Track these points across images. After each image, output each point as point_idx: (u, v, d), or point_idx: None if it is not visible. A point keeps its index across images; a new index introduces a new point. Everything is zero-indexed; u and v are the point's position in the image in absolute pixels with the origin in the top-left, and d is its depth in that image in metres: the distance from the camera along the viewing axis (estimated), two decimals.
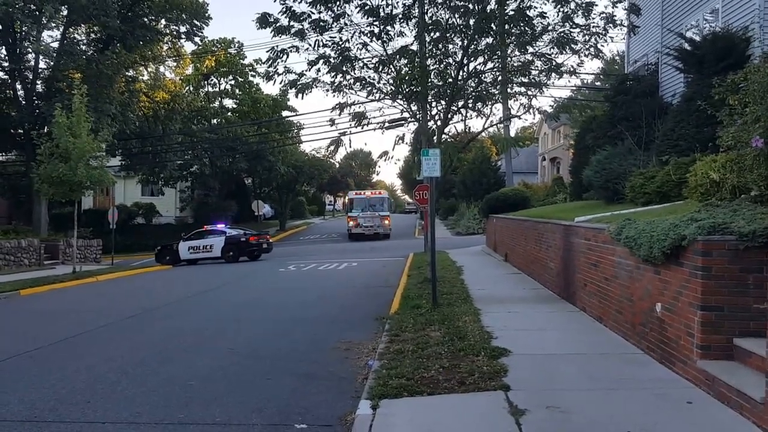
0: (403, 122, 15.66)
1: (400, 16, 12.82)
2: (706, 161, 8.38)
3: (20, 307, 14.62)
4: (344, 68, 13.15)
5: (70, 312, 13.52)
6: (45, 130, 21.98)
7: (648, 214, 8.74)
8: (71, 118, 21.16)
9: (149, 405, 6.17)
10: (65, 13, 31.73)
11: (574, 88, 37.02)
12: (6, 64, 32.03)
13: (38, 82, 32.92)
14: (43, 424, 5.70)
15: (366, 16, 12.55)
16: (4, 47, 31.88)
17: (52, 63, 32.07)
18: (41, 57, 32.23)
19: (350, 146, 65.75)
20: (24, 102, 32.27)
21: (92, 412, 6.01)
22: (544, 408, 5.14)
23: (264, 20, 12.81)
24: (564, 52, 12.67)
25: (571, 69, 12.99)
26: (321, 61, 13.10)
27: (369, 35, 13.00)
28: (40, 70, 32.91)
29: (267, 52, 13.02)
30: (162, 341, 9.47)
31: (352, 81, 13.43)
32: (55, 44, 32.99)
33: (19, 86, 32.48)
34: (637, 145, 14.47)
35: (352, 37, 13.07)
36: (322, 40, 13.01)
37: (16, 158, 39.25)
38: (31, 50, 31.77)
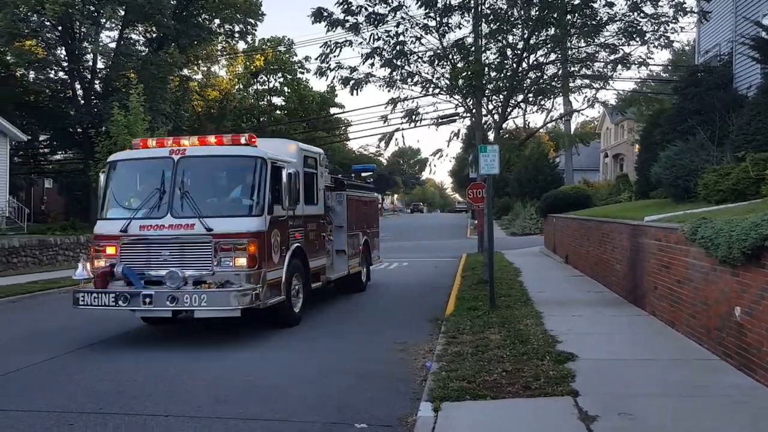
0: (456, 118, 15.58)
1: (457, 6, 12.76)
2: None
3: None
4: (398, 62, 13.18)
5: None
6: (103, 129, 22.95)
7: (724, 213, 8.43)
8: (128, 116, 22.00)
9: (209, 399, 6.33)
10: (122, 13, 32.99)
11: (639, 80, 36.01)
12: (66, 64, 33.52)
13: (96, 81, 34.34)
14: (108, 416, 5.92)
15: (424, 8, 12.52)
16: (63, 48, 33.35)
17: (109, 63, 33.40)
18: (99, 57, 33.61)
19: (404, 143, 64.92)
20: (83, 101, 33.70)
21: (153, 405, 6.20)
22: (616, 415, 5.03)
23: (319, 14, 12.97)
24: (633, 42, 12.36)
25: (640, 60, 12.65)
26: (375, 56, 13.17)
27: (424, 28, 12.99)
28: (98, 69, 34.34)
29: (320, 47, 13.19)
30: (218, 338, 9.66)
31: (406, 75, 13.45)
32: (113, 44, 34.37)
33: (78, 86, 33.96)
34: (709, 140, 14.00)
35: (406, 30, 13.09)
36: (376, 34, 13.07)
37: (74, 156, 41.00)
38: (89, 50, 33.15)
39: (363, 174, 16.44)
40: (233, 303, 8.53)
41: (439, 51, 13.08)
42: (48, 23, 31.15)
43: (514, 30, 12.75)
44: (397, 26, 12.87)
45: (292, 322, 10.07)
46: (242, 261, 8.77)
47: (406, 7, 12.72)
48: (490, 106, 13.93)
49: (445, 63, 13.21)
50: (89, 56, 33.83)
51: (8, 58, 32.30)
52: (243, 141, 9.59)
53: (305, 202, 10.78)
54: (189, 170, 9.42)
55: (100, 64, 34.50)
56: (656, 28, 12.37)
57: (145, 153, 9.91)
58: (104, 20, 32.71)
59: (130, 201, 9.78)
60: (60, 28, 31.87)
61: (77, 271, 9.99)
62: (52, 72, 34.32)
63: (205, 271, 8.79)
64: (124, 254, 9.11)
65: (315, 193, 11.57)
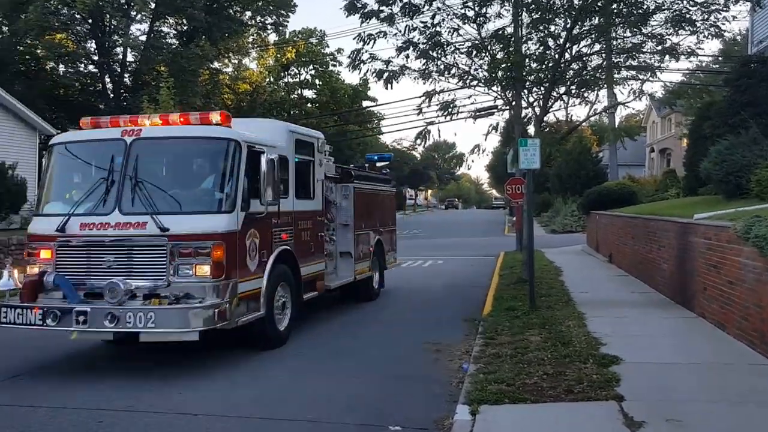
0: (494, 111, 15.52)
1: None
2: None
3: None
4: (434, 54, 13.18)
5: None
6: None
7: None
8: (158, 110, 22.44)
9: (242, 399, 6.46)
10: (153, 6, 33.68)
11: (688, 71, 35.21)
12: (95, 57, 34.39)
13: (126, 75, 35.16)
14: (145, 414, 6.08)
15: None
16: (93, 41, 34.24)
17: (139, 56, 34.17)
18: (129, 50, 34.40)
19: (439, 136, 63.51)
20: (112, 95, 34.54)
21: (183, 403, 6.31)
22: (664, 421, 4.99)
23: (352, 6, 13.05)
24: (681, 32, 12.15)
25: (689, 50, 12.43)
26: (410, 47, 13.20)
27: (462, 18, 12.97)
28: (128, 63, 35.15)
29: (353, 39, 13.27)
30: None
31: (442, 67, 13.45)
32: (143, 38, 35.10)
33: (107, 79, 34.81)
34: (763, 134, 13.69)
35: (443, 21, 13.08)
36: (411, 24, 13.09)
37: None
38: (119, 43, 33.94)
39: (378, 163, 14.58)
40: (191, 323, 6.92)
41: (477, 42, 13.04)
42: (78, 16, 32.01)
43: (557, 19, 12.65)
44: (433, 17, 12.89)
45: (275, 341, 8.53)
46: (205, 269, 7.22)
47: None
48: (531, 99, 13.87)
49: (483, 54, 13.17)
50: (119, 49, 34.69)
51: (38, 51, 33.24)
52: (214, 120, 8.03)
53: (297, 196, 9.29)
54: (144, 156, 7.84)
55: (130, 58, 35.40)
56: (706, 16, 12.15)
57: (93, 134, 8.31)
58: (135, 13, 33.47)
59: (71, 193, 8.18)
60: (90, 20, 32.71)
61: (1, 281, 8.76)
62: (82, 65, 35.31)
63: (160, 281, 7.25)
64: (60, 259, 7.62)
65: (311, 184, 9.92)
